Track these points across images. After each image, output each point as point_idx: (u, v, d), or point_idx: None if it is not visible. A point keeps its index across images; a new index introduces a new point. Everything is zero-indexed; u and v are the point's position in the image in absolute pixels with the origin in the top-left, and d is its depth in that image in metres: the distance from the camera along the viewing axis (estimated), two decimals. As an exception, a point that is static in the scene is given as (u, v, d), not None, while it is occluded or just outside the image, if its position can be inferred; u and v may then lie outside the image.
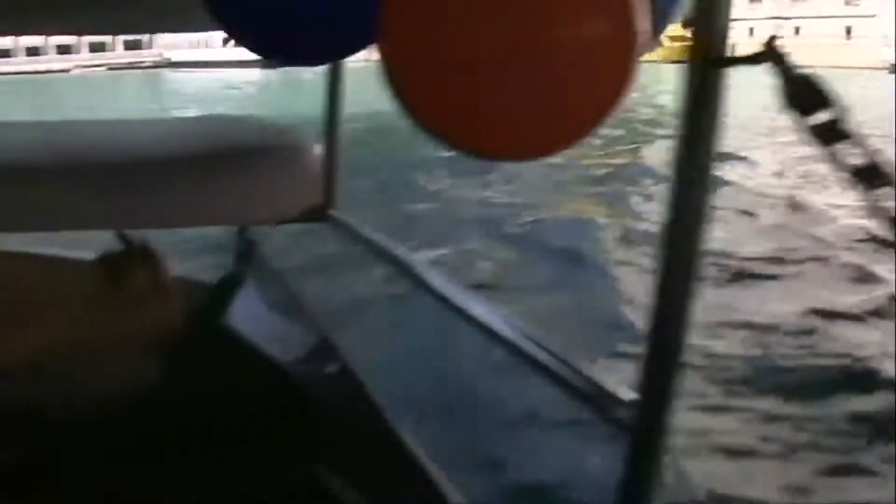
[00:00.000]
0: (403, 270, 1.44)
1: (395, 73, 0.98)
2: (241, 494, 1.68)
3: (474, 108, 1.08)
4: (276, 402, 1.74)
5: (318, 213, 1.70)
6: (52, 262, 1.75)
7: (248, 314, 2.02)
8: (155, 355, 2.05)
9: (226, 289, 2.11)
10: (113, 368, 2.05)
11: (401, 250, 1.49)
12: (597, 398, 0.92)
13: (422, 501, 1.30)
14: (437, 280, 1.34)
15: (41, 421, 1.94)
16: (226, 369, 1.95)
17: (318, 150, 1.72)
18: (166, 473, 1.78)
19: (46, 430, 1.94)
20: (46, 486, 1.67)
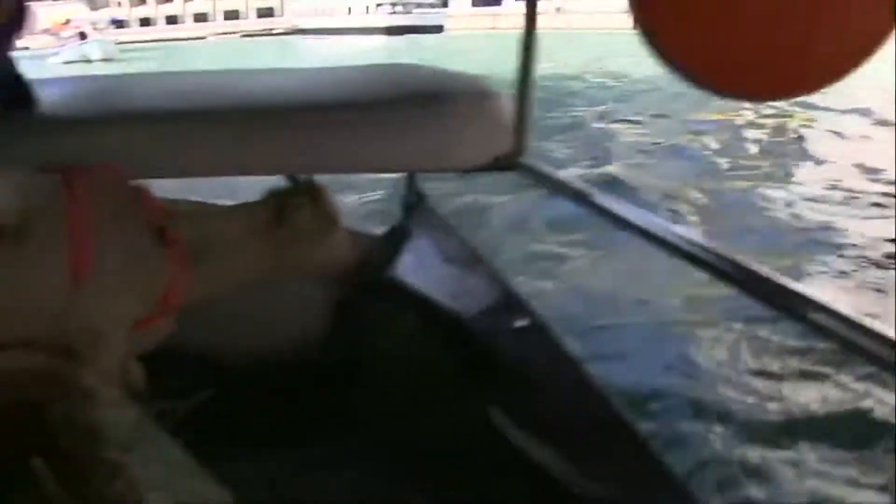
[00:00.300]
0: (608, 216, 1.35)
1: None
2: (418, 439, 1.66)
3: (732, 46, 1.01)
4: (454, 354, 1.69)
5: (508, 161, 1.63)
6: (218, 207, 1.75)
7: (418, 266, 1.99)
8: (325, 296, 2.07)
9: (393, 240, 2.08)
10: (284, 310, 2.08)
11: (603, 196, 1.40)
12: (856, 338, 0.81)
13: (633, 463, 1.21)
14: (651, 221, 1.24)
15: (215, 363, 1.99)
16: (396, 318, 1.93)
17: (507, 97, 1.65)
18: (339, 417, 1.78)
19: (221, 372, 1.99)
20: (222, 427, 1.69)
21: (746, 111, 12.43)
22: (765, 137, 11.59)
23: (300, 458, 1.70)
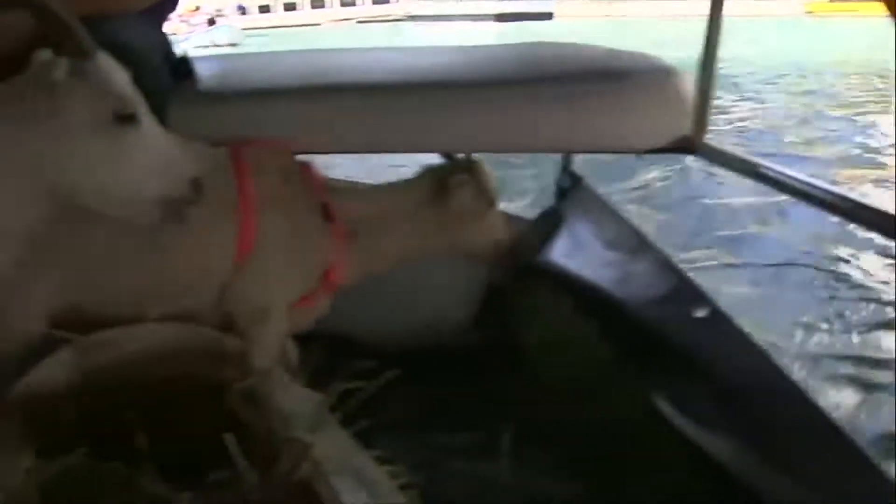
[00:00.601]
0: (811, 199, 1.22)
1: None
2: (576, 427, 1.58)
3: None
4: (616, 342, 1.60)
5: (686, 144, 1.51)
6: (378, 184, 1.71)
7: (575, 250, 1.89)
8: (476, 279, 2.01)
9: (547, 223, 1.99)
10: (433, 293, 2.03)
11: (803, 178, 1.27)
12: None
13: (837, 463, 1.09)
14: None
15: (361, 345, 1.96)
16: (553, 304, 1.84)
17: (686, 77, 1.53)
18: (493, 403, 1.72)
19: (368, 354, 1.96)
20: (374, 411, 1.66)
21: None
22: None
23: (455, 444, 1.65)
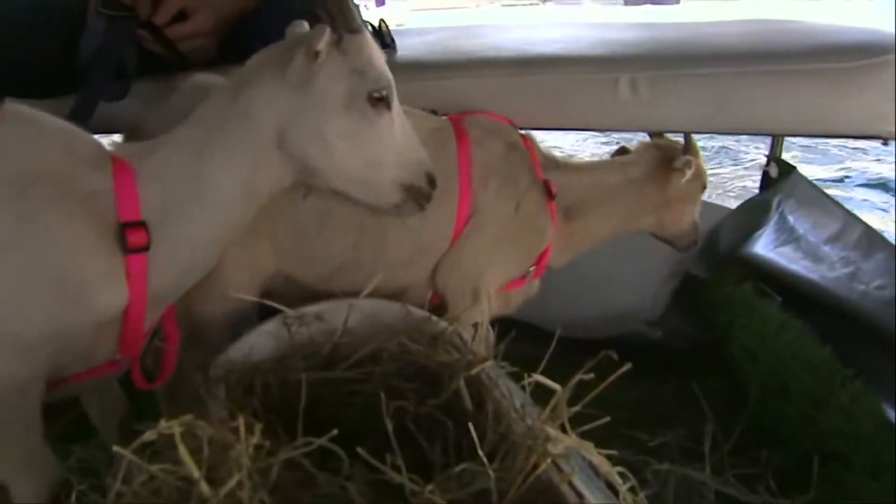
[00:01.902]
0: None
1: None
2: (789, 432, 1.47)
3: None
4: (836, 346, 1.46)
5: None
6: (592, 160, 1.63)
7: (785, 243, 1.75)
8: (669, 268, 1.93)
9: (752, 214, 1.85)
10: (624, 281, 1.95)
11: None
12: None
13: None
14: None
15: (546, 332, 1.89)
16: (758, 301, 1.71)
17: None
18: (689, 402, 1.62)
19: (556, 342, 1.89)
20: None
21: None
22: None
23: (657, 444, 1.55)
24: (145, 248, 0.95)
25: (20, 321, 0.91)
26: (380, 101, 1.00)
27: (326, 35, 0.95)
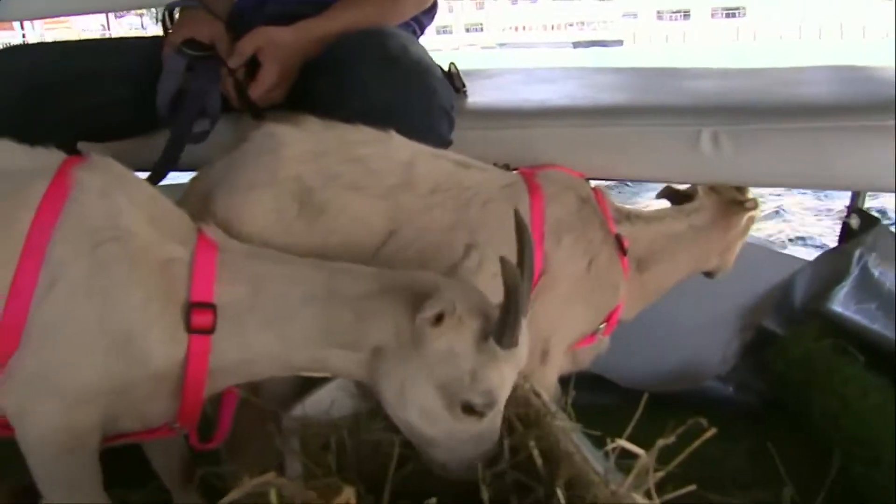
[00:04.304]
0: None
1: None
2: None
3: None
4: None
5: None
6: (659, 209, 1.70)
7: (868, 299, 1.77)
8: (741, 320, 2.00)
9: (831, 267, 1.88)
10: (692, 332, 2.00)
11: None
12: None
13: None
14: None
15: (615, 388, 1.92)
16: (838, 358, 1.73)
17: None
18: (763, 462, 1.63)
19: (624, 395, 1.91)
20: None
21: None
22: None
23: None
24: (209, 331, 1.00)
25: (80, 371, 0.97)
26: (472, 412, 1.01)
27: (459, 313, 0.98)
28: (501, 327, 0.96)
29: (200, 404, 1.07)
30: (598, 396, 1.78)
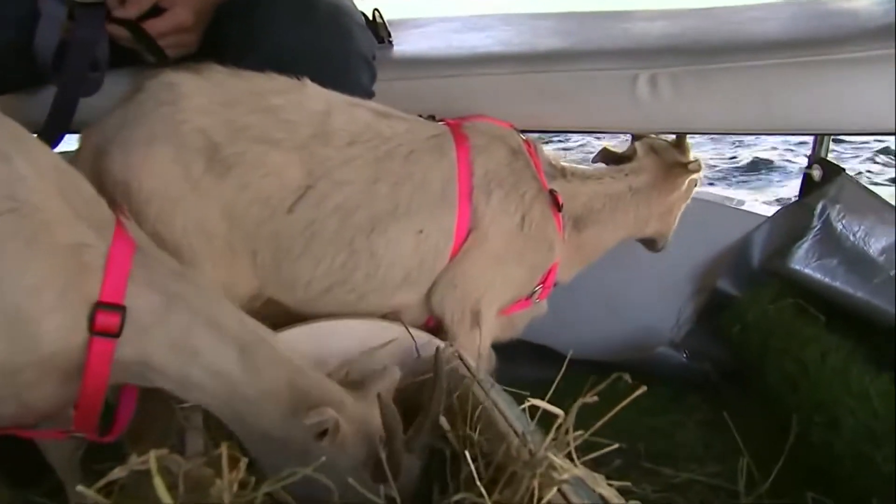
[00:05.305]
0: None
1: None
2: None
3: None
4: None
5: None
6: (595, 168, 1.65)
7: (831, 255, 1.73)
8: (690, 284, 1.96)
9: (790, 221, 1.83)
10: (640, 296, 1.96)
11: None
12: None
13: None
14: None
15: (557, 354, 1.87)
16: (799, 319, 1.70)
17: None
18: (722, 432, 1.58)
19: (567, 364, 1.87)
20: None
21: None
22: None
23: (679, 482, 1.53)
24: (115, 335, 0.94)
25: None
26: None
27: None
28: (380, 465, 0.96)
29: (99, 409, 1.00)
30: (544, 369, 1.73)
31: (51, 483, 1.30)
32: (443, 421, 1.06)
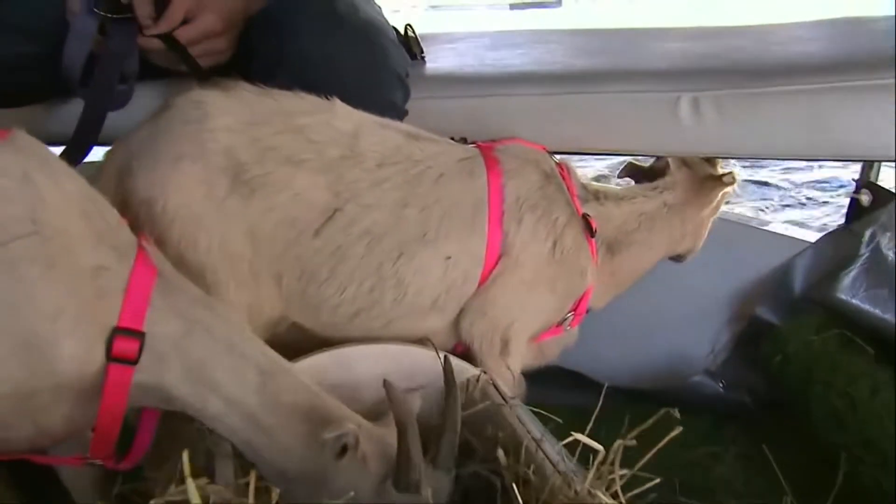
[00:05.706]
0: None
1: None
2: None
3: None
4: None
5: None
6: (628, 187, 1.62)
7: (878, 285, 1.67)
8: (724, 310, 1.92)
9: (833, 249, 1.77)
10: (669, 323, 1.92)
11: None
12: None
13: None
14: None
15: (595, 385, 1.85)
16: (845, 351, 1.64)
17: None
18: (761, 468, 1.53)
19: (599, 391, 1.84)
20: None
21: None
22: None
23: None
24: (132, 362, 0.92)
25: None
26: None
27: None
28: (398, 471, 0.93)
29: (115, 436, 0.98)
30: (577, 396, 1.69)
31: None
32: (500, 454, 1.04)
